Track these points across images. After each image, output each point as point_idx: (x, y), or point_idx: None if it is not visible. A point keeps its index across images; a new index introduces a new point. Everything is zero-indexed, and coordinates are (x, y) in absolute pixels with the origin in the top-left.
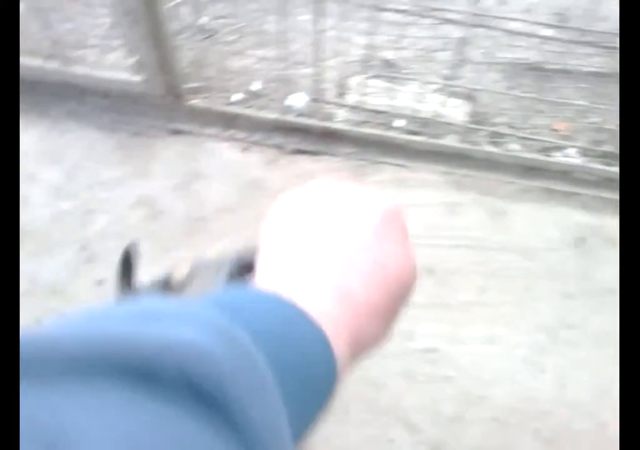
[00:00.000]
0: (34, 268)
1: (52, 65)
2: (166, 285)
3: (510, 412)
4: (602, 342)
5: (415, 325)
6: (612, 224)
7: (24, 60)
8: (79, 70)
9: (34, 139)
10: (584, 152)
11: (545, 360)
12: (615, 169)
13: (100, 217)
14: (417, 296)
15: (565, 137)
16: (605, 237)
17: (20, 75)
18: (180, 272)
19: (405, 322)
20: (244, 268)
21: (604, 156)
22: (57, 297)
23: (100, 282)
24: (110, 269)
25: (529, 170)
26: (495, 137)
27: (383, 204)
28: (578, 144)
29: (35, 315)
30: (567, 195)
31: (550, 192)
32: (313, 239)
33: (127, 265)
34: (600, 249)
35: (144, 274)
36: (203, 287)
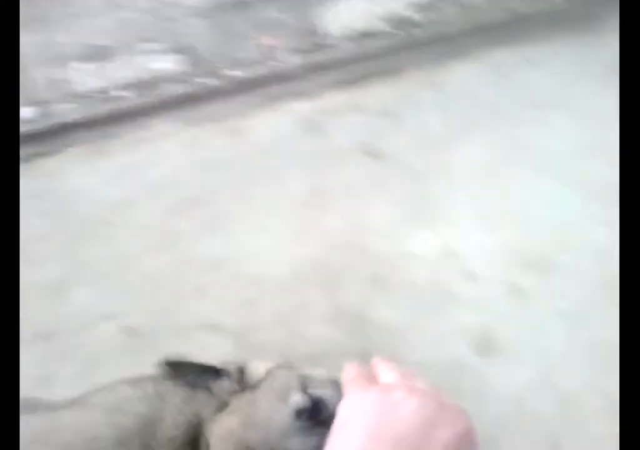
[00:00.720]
0: None
1: None
2: (240, 378)
3: (293, 280)
4: (349, 192)
5: (191, 249)
6: (331, 99)
7: None
8: None
9: None
10: (294, 52)
11: (309, 224)
12: (318, 57)
13: None
14: (186, 225)
15: (273, 47)
16: (329, 112)
17: None
18: (258, 370)
19: (182, 251)
20: (320, 415)
21: (308, 50)
22: None
23: None
24: None
25: (251, 86)
26: (215, 71)
27: (458, 426)
28: (286, 47)
29: None
30: (290, 93)
31: (274, 97)
32: None
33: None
34: (328, 122)
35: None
36: (272, 403)
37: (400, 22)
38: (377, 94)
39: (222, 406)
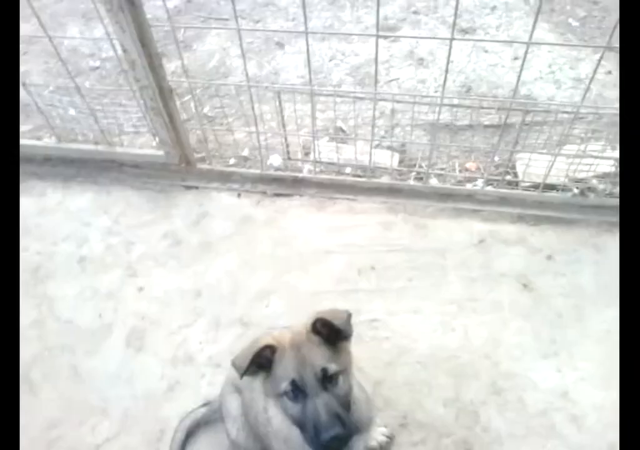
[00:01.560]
0: (95, 282)
1: (100, 147)
2: None
3: (429, 358)
4: (497, 309)
5: (362, 305)
6: (504, 229)
7: (80, 146)
8: (118, 149)
9: (89, 199)
10: (487, 182)
11: (455, 322)
12: (508, 191)
13: (139, 246)
14: (363, 285)
15: (474, 173)
16: (499, 239)
17: (76, 156)
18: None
19: (354, 303)
20: None
21: (504, 183)
22: (111, 299)
23: (140, 289)
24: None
25: (444, 196)
26: (419, 175)
27: None
28: (484, 177)
29: (97, 313)
30: (472, 211)
31: (459, 210)
32: None
33: None
34: (496, 246)
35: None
36: None
37: None
38: None
39: None
